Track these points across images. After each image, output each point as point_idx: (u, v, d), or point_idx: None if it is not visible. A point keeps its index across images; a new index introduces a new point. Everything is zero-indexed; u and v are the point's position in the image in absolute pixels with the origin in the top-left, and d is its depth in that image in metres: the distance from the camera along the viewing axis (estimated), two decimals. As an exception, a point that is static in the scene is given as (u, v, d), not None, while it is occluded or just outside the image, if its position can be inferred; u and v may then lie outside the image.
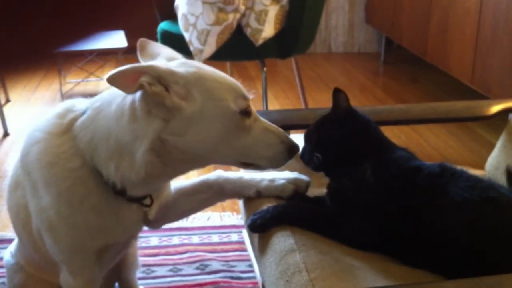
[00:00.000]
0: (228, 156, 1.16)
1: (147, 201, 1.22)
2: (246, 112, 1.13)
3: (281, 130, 1.20)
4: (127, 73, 1.01)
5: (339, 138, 1.23)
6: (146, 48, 1.25)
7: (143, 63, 1.14)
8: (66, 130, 1.17)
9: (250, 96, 1.18)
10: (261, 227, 1.23)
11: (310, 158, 1.26)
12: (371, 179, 1.18)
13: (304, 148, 1.29)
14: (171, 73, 1.06)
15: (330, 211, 1.20)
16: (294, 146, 1.20)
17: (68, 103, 1.22)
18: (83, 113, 1.17)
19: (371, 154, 1.21)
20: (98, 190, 1.15)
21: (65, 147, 1.15)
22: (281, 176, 1.35)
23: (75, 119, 1.17)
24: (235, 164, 1.20)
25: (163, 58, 1.19)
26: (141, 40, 1.25)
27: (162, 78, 1.05)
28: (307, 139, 1.30)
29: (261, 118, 1.19)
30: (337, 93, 1.27)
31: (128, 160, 1.09)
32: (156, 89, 1.03)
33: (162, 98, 1.04)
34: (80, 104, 1.20)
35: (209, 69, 1.15)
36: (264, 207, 1.29)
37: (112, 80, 0.99)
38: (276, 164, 1.20)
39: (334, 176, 1.25)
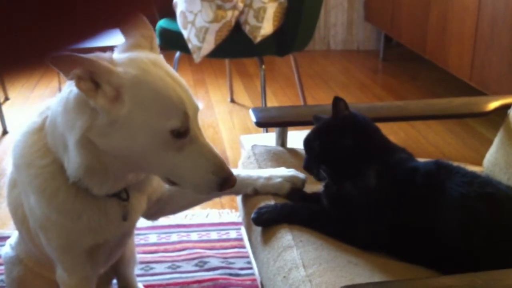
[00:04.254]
0: (156, 169, 1.10)
1: (123, 195, 1.19)
2: (179, 133, 1.04)
3: (220, 160, 1.09)
4: (67, 59, 0.97)
5: (343, 148, 1.23)
6: (136, 29, 1.12)
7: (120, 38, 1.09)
8: (41, 128, 1.16)
9: (200, 107, 1.10)
10: (266, 221, 1.24)
11: (317, 171, 1.26)
12: (375, 184, 1.18)
13: (307, 159, 1.29)
14: (108, 71, 0.99)
15: (339, 215, 1.21)
16: (227, 181, 1.09)
17: (50, 101, 1.20)
18: None
19: (374, 157, 1.22)
20: (67, 186, 1.13)
21: (38, 145, 1.15)
22: (277, 174, 1.36)
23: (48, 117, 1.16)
24: (162, 179, 1.14)
25: (130, 43, 1.11)
26: (140, 18, 1.12)
27: (96, 75, 0.99)
28: (308, 148, 1.29)
29: (204, 141, 1.09)
30: (337, 102, 1.26)
31: (69, 152, 1.08)
32: (83, 86, 0.99)
33: (87, 96, 1.00)
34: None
35: (156, 75, 1.04)
36: (263, 203, 1.29)
37: (52, 62, 0.95)
38: (201, 192, 1.12)
39: (337, 182, 1.25)
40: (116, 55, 1.08)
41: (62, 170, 1.12)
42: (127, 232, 1.36)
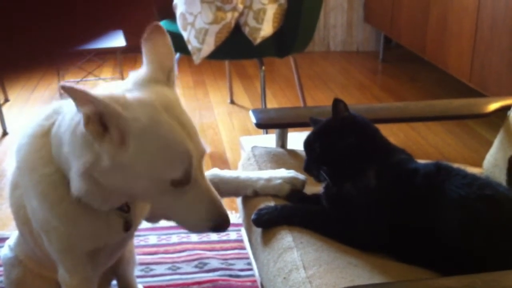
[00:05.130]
0: (154, 206, 1.15)
1: (124, 208, 1.20)
2: (180, 182, 1.06)
3: (217, 206, 1.11)
4: (79, 93, 0.97)
5: (344, 148, 1.23)
6: (156, 41, 1.13)
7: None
8: (47, 133, 1.16)
9: (207, 151, 1.11)
10: (266, 223, 1.24)
11: (317, 173, 1.26)
12: (375, 185, 1.18)
13: (307, 161, 1.29)
14: (117, 116, 0.99)
15: (338, 216, 1.21)
16: (221, 226, 1.12)
17: (57, 104, 1.20)
18: None
19: (373, 158, 1.22)
20: (70, 195, 1.12)
21: (42, 151, 1.15)
22: (277, 175, 1.36)
23: (55, 122, 1.16)
24: (159, 215, 1.18)
25: (146, 76, 1.10)
26: (156, 26, 1.13)
27: (105, 117, 0.99)
28: (308, 150, 1.29)
29: (204, 186, 1.10)
30: (337, 103, 1.26)
31: (72, 174, 1.08)
32: (91, 128, 0.99)
33: (93, 138, 1.01)
34: (67, 105, 1.15)
35: (166, 125, 1.04)
36: (263, 205, 1.29)
37: (65, 91, 0.96)
38: (194, 231, 1.16)
39: (337, 182, 1.24)
40: (130, 88, 1.07)
41: (64, 179, 1.13)
42: (128, 236, 1.36)
